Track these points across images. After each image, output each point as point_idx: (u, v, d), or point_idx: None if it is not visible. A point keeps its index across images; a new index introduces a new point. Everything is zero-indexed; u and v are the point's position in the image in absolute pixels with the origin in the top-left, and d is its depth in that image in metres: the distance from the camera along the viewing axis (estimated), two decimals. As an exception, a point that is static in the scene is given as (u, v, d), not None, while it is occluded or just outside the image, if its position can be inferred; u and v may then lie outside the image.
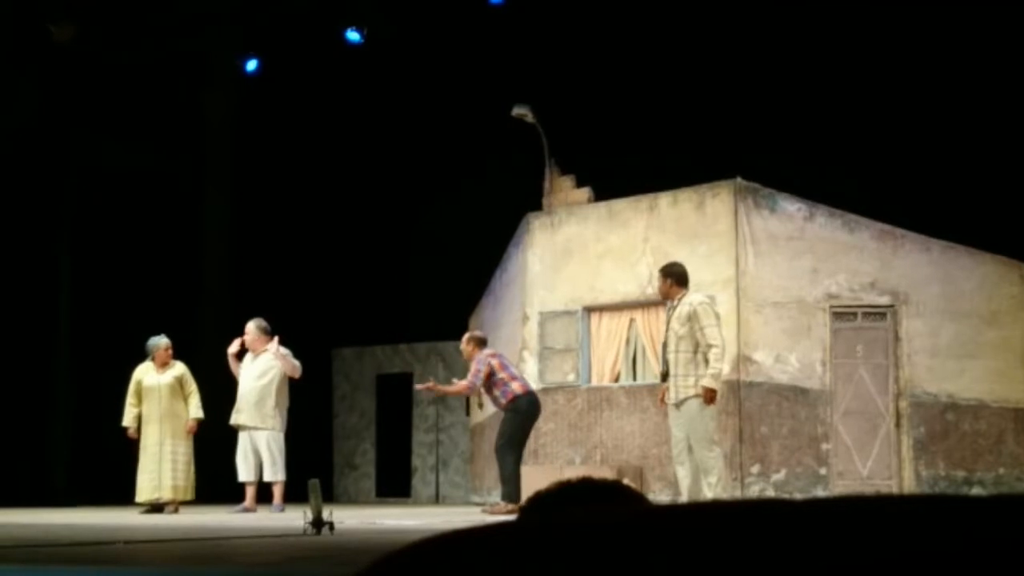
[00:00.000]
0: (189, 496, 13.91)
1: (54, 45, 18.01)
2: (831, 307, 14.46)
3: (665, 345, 10.95)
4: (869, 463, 14.35)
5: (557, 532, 1.30)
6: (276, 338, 14.06)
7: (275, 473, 13.86)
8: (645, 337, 15.29)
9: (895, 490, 14.17)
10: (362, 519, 11.32)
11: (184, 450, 13.93)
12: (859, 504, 1.28)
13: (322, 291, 21.24)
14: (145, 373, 14.06)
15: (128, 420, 13.94)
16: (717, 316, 10.81)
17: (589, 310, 15.74)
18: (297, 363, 14.06)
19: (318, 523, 8.17)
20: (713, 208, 14.77)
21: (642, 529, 1.28)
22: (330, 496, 18.94)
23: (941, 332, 14.54)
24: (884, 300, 14.53)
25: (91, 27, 18.26)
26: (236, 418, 13.98)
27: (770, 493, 14.09)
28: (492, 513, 12.57)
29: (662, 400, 11.02)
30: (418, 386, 14.34)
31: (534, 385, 15.17)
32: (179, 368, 14.19)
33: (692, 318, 10.60)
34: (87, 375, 18.53)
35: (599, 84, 18.81)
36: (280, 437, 13.96)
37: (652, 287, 15.05)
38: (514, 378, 13.25)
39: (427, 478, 20.85)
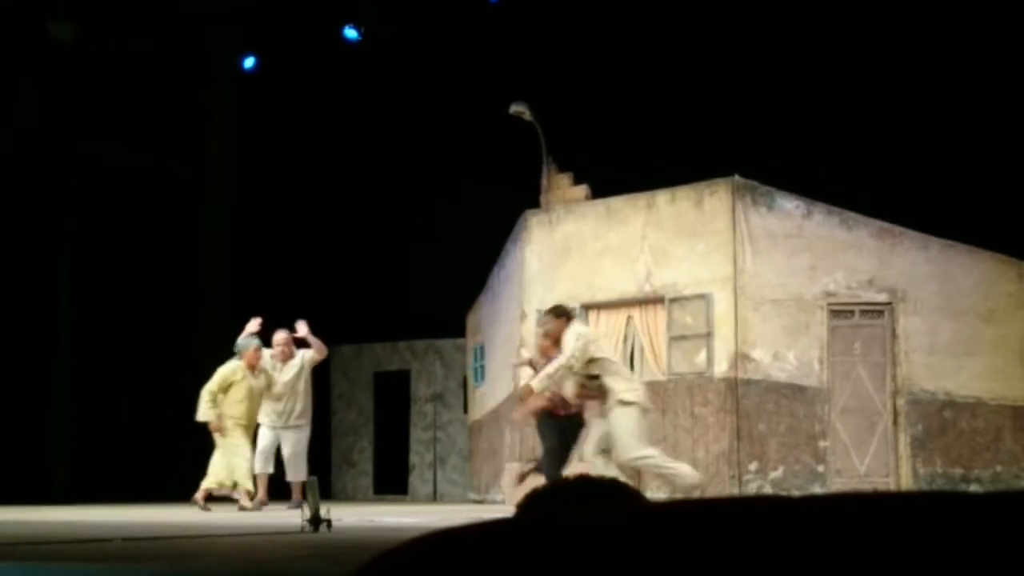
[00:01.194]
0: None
1: (54, 44, 18.01)
2: (829, 305, 14.46)
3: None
4: (867, 460, 14.36)
5: (554, 529, 1.30)
6: (303, 322, 14.67)
7: (297, 472, 14.38)
8: (643, 334, 15.28)
9: (892, 488, 14.17)
10: (360, 516, 11.33)
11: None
12: (857, 502, 1.28)
13: (321, 288, 21.24)
14: (236, 374, 14.03)
15: (212, 416, 13.82)
16: (587, 350, 11.17)
17: (587, 307, 15.73)
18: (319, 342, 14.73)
19: (316, 520, 8.18)
20: (711, 206, 14.76)
21: (639, 526, 1.28)
22: (328, 493, 18.93)
23: (939, 330, 14.55)
24: (882, 298, 14.53)
25: (91, 26, 18.26)
26: (279, 421, 14.46)
27: (768, 490, 14.09)
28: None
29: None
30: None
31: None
32: (265, 367, 14.42)
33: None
34: (87, 374, 18.53)
35: (597, 81, 18.81)
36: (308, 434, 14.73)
37: (650, 284, 15.07)
38: None
39: (425, 475, 20.84)
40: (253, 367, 14.11)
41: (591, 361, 11.25)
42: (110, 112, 19.16)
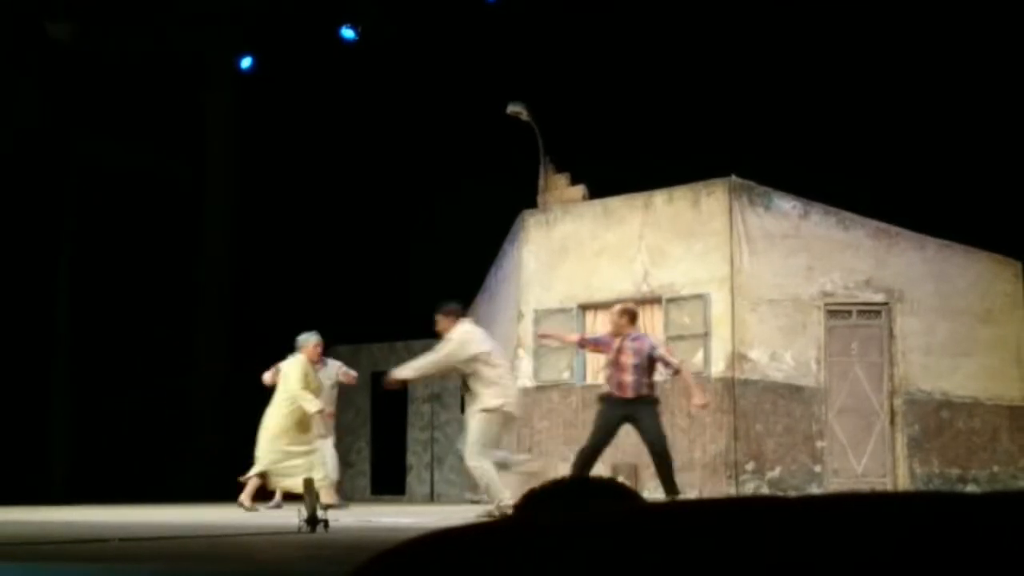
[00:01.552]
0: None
1: (53, 44, 17.99)
2: (826, 305, 14.46)
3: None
4: (864, 460, 14.36)
5: (551, 530, 1.31)
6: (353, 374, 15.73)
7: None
8: (640, 335, 15.28)
9: (889, 487, 14.18)
10: (357, 517, 11.33)
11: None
12: (853, 502, 1.29)
13: (318, 289, 21.24)
14: (309, 368, 14.11)
15: (320, 404, 13.91)
16: (463, 350, 11.80)
17: (584, 308, 15.73)
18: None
19: (313, 521, 8.18)
20: (708, 206, 14.76)
21: (636, 527, 1.29)
22: (326, 494, 18.91)
23: (936, 330, 14.55)
24: (879, 298, 14.53)
25: (89, 26, 18.24)
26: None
27: (765, 491, 14.09)
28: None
29: None
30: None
31: (529, 383, 15.33)
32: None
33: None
34: (87, 374, 18.52)
35: (594, 82, 18.80)
36: None
37: (647, 285, 15.07)
38: None
39: (422, 476, 20.82)
40: (315, 361, 14.23)
41: (468, 360, 11.62)
42: (109, 112, 19.15)
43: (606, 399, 12.16)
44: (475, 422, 11.47)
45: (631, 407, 11.99)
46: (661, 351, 12.12)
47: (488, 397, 11.41)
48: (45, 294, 18.57)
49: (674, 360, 12.04)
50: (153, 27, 19.28)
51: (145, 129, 19.67)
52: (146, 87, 19.55)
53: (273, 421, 13.67)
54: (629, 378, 12.01)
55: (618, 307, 12.66)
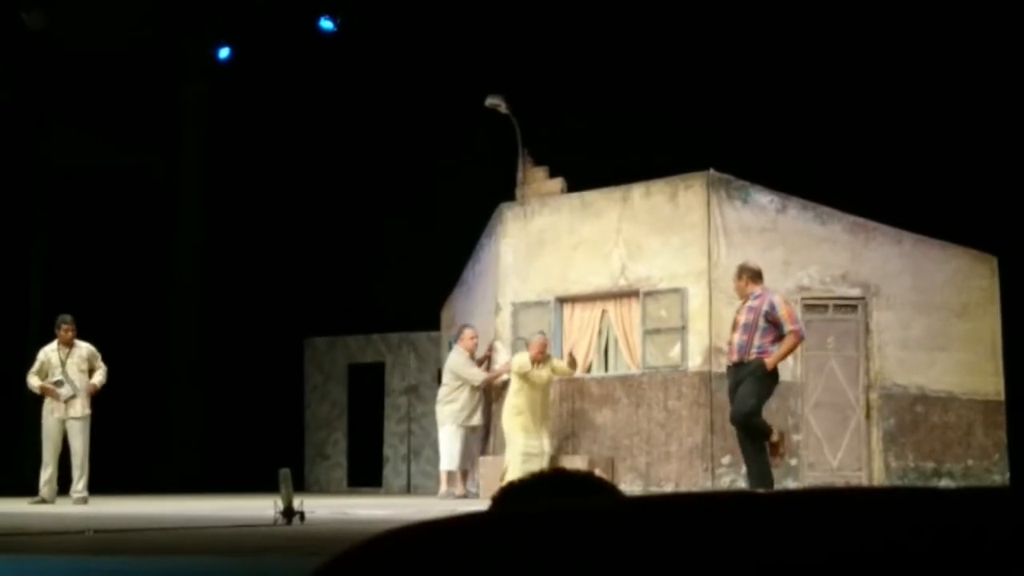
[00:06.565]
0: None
1: (27, 35, 17.89)
2: (803, 299, 14.48)
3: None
4: (839, 455, 14.40)
5: (527, 523, 1.31)
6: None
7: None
8: (617, 328, 15.30)
9: (865, 481, 14.22)
10: (333, 509, 11.32)
11: None
12: (828, 496, 1.29)
13: (294, 280, 21.21)
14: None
15: None
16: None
17: (562, 301, 15.74)
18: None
19: (289, 513, 8.17)
20: (686, 200, 14.78)
21: (613, 520, 1.28)
22: (301, 486, 18.90)
23: (912, 324, 14.60)
24: (855, 292, 14.57)
25: (65, 14, 18.15)
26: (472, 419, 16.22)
27: (741, 484, 14.12)
28: None
29: None
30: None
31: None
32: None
33: None
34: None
35: (573, 75, 18.81)
36: None
37: (625, 278, 15.09)
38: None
39: (399, 468, 20.82)
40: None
41: None
42: (84, 103, 19.07)
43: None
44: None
45: (737, 374, 11.39)
46: (781, 312, 11.30)
47: None
48: (17, 287, 18.48)
49: (791, 326, 11.23)
50: (130, 17, 19.19)
51: (120, 120, 19.59)
52: (120, 78, 19.47)
53: None
54: (735, 338, 11.44)
55: (737, 267, 11.88)
